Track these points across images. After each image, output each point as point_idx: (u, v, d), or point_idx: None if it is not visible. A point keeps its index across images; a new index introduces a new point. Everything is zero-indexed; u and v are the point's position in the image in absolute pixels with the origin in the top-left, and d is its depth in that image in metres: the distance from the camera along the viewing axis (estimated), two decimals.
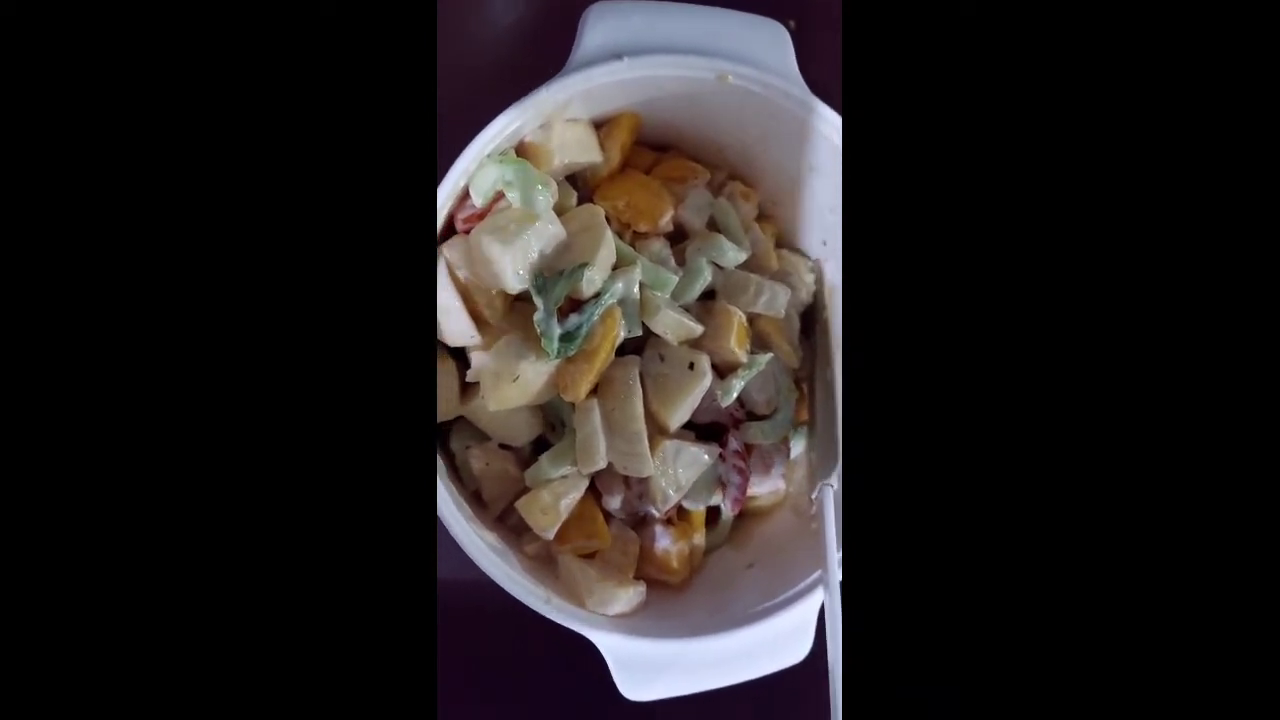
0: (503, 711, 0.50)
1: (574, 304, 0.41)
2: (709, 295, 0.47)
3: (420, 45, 0.29)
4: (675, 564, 0.46)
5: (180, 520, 0.27)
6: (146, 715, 0.27)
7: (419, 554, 0.28)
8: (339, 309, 0.28)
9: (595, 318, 0.40)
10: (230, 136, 0.27)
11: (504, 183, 0.39)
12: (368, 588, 0.27)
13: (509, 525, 0.45)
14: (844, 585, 0.29)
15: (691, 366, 0.44)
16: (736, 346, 0.45)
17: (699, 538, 0.47)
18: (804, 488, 0.49)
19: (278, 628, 0.27)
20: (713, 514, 0.49)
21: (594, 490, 0.44)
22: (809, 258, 0.51)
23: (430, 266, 0.39)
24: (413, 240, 0.28)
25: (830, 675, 0.38)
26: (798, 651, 0.44)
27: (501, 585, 0.39)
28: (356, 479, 0.28)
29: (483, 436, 0.44)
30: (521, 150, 0.42)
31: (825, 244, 0.50)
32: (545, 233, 0.40)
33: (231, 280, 0.27)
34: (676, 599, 0.46)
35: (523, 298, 0.41)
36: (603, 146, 0.45)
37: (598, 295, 0.41)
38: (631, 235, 0.45)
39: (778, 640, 0.43)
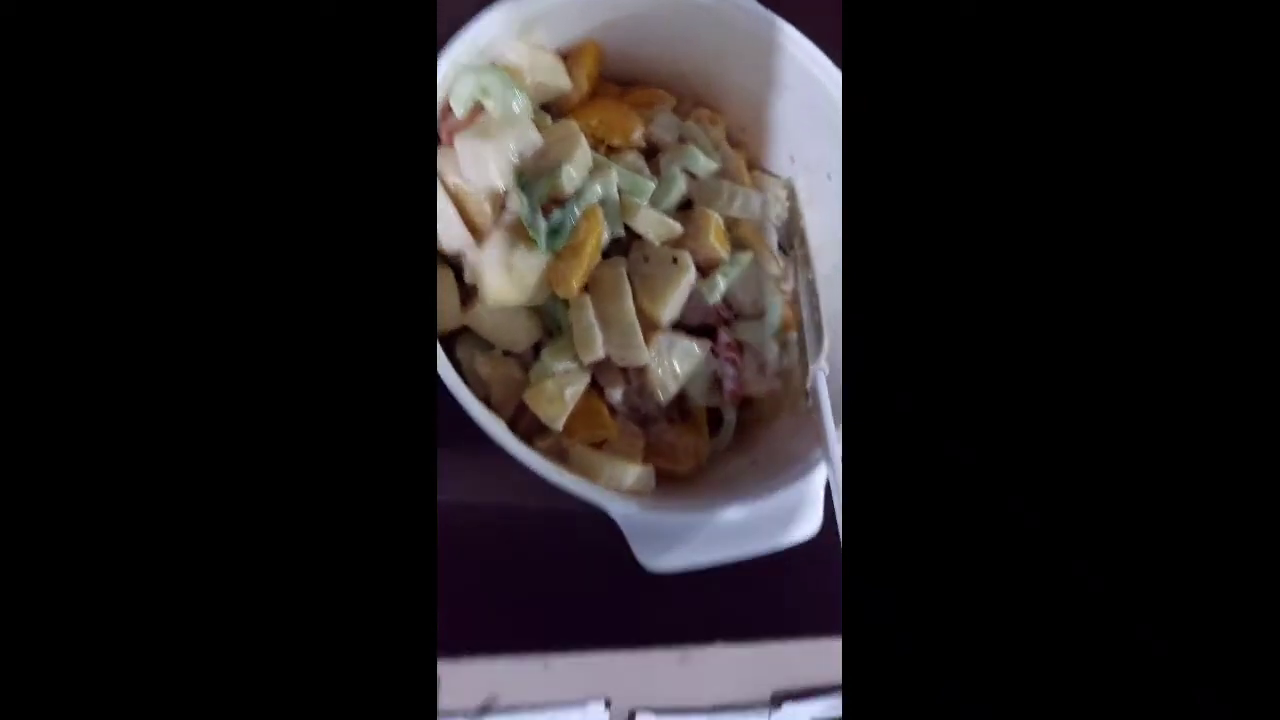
0: (520, 615, 0.51)
1: (556, 203, 0.44)
2: (686, 206, 0.50)
3: None
4: (680, 455, 0.48)
5: (177, 450, 0.27)
6: (130, 652, 0.27)
7: (419, 473, 0.28)
8: (344, 220, 0.28)
9: (578, 212, 0.43)
10: (229, 53, 0.28)
11: (481, 91, 0.42)
12: (367, 509, 0.28)
13: (520, 431, 0.47)
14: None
15: (675, 261, 0.46)
16: (716, 243, 0.48)
17: (703, 435, 0.50)
18: (799, 388, 0.52)
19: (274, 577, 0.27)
20: (714, 423, 0.51)
21: (596, 387, 0.47)
22: (780, 176, 0.54)
23: (430, 173, 0.42)
24: (413, 148, 0.29)
25: (841, 540, 0.40)
26: (807, 527, 0.46)
27: (521, 460, 0.41)
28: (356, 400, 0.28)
29: (487, 345, 0.46)
30: None
31: (794, 160, 0.54)
32: (524, 136, 0.43)
33: (226, 195, 0.28)
34: (685, 486, 0.48)
35: (510, 206, 0.44)
36: (570, 76, 0.48)
37: (579, 193, 0.44)
38: (605, 150, 0.48)
39: (786, 513, 0.45)
